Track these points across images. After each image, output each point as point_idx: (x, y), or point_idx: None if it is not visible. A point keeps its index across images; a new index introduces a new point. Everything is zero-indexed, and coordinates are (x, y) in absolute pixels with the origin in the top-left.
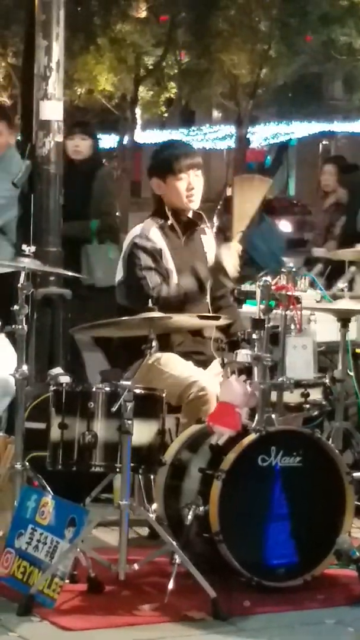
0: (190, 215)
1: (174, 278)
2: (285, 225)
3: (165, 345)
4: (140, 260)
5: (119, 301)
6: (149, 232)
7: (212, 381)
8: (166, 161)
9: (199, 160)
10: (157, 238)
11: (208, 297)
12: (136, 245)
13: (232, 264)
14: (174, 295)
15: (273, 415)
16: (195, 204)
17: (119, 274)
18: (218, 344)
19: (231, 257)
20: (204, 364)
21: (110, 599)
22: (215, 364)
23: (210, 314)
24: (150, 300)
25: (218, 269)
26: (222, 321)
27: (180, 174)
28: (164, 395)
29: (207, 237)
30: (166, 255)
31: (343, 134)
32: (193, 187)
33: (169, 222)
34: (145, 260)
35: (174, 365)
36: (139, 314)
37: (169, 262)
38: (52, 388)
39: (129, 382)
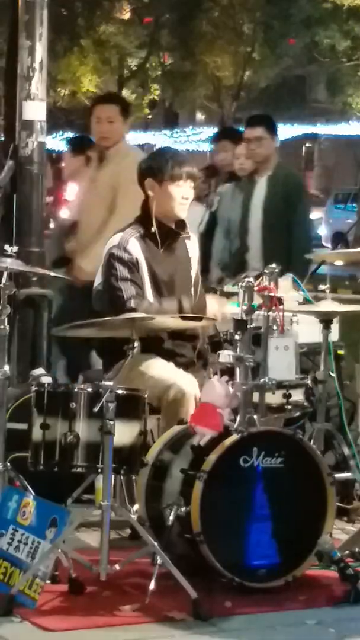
0: (173, 224)
1: (148, 290)
2: None
3: (147, 347)
4: (116, 271)
5: (95, 307)
6: (127, 242)
7: (191, 383)
8: (167, 165)
9: (197, 173)
10: (134, 249)
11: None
12: (113, 255)
13: (215, 311)
14: (152, 313)
15: (255, 416)
16: (184, 213)
17: (97, 281)
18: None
19: (218, 307)
20: (185, 366)
21: (91, 599)
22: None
23: (193, 315)
24: (125, 311)
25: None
26: (205, 322)
27: (179, 180)
28: (146, 396)
29: (192, 242)
30: (142, 266)
31: (326, 137)
32: (187, 196)
33: (152, 229)
34: (122, 271)
35: (154, 367)
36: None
37: (144, 272)
38: (33, 388)
39: (111, 383)
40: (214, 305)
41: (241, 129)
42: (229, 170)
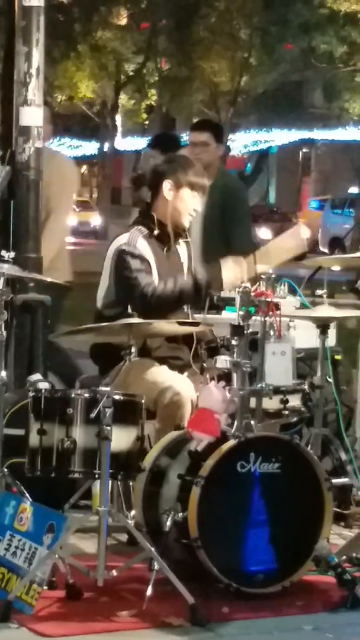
0: (175, 227)
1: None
2: (265, 233)
3: (143, 350)
4: (129, 264)
5: (102, 310)
6: (136, 242)
7: (187, 386)
8: (186, 172)
9: (207, 188)
10: (143, 248)
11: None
12: (124, 251)
13: (235, 279)
14: (169, 293)
15: (252, 422)
16: (187, 224)
17: (103, 284)
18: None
19: (236, 272)
20: (181, 369)
21: (88, 605)
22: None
23: (190, 320)
24: (145, 298)
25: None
26: (202, 327)
27: (196, 191)
28: (143, 401)
29: (182, 247)
30: (152, 264)
31: (323, 142)
32: (197, 209)
33: (156, 232)
34: (135, 263)
35: (150, 370)
36: (144, 315)
37: (154, 272)
38: (31, 394)
39: (107, 388)
40: (231, 273)
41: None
42: None
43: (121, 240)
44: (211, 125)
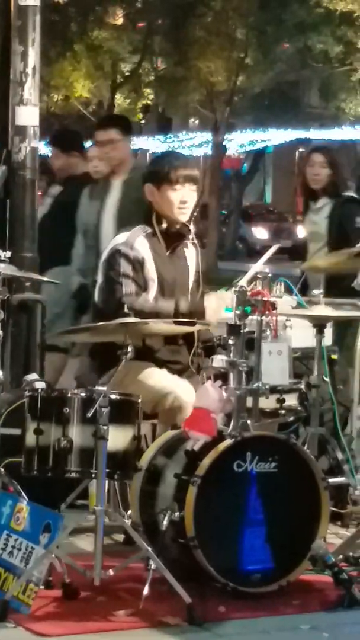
0: (178, 227)
1: (154, 289)
2: (261, 232)
3: (141, 354)
4: (119, 267)
5: (97, 303)
6: (134, 240)
7: (188, 391)
8: (163, 169)
9: (196, 175)
10: (142, 247)
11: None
12: (119, 252)
13: (214, 314)
14: (146, 312)
15: (248, 421)
16: (185, 216)
17: (99, 278)
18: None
19: (216, 307)
20: (179, 372)
21: (85, 604)
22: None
23: (186, 320)
24: (120, 308)
25: (198, 312)
26: (199, 327)
27: (176, 184)
28: (139, 400)
29: (190, 250)
30: (148, 265)
31: (319, 142)
32: (186, 200)
33: (157, 232)
34: (125, 267)
35: (149, 375)
36: (112, 318)
37: (150, 271)
38: (27, 394)
39: (104, 388)
40: (213, 304)
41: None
42: (64, 175)
43: (120, 239)
44: (117, 121)
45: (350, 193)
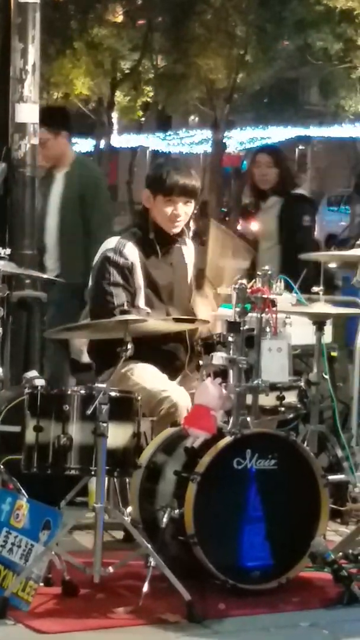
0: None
1: (141, 295)
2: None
3: (139, 352)
4: (109, 275)
5: (90, 309)
6: (124, 247)
7: (183, 395)
8: (162, 179)
9: (194, 187)
10: (131, 253)
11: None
12: (108, 259)
13: (206, 313)
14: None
15: (248, 418)
16: (177, 229)
17: (90, 282)
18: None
19: (205, 308)
20: (177, 370)
21: (85, 602)
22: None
23: (186, 317)
24: (110, 317)
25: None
26: (199, 324)
27: (171, 196)
28: (139, 398)
29: (188, 247)
30: (137, 271)
31: (319, 139)
32: (179, 215)
33: (150, 236)
34: (115, 276)
35: (147, 377)
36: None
37: (139, 278)
38: (27, 391)
39: (104, 385)
40: (204, 310)
41: None
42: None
43: (109, 244)
44: (44, 119)
45: (300, 191)
